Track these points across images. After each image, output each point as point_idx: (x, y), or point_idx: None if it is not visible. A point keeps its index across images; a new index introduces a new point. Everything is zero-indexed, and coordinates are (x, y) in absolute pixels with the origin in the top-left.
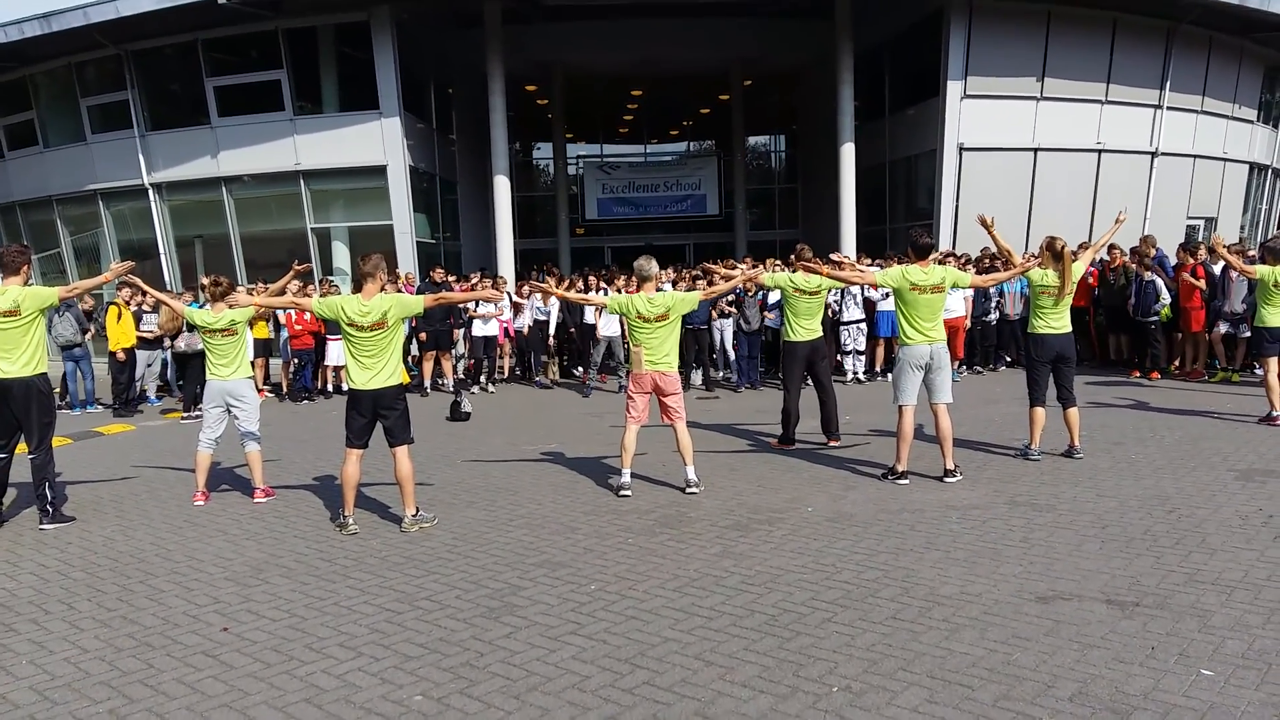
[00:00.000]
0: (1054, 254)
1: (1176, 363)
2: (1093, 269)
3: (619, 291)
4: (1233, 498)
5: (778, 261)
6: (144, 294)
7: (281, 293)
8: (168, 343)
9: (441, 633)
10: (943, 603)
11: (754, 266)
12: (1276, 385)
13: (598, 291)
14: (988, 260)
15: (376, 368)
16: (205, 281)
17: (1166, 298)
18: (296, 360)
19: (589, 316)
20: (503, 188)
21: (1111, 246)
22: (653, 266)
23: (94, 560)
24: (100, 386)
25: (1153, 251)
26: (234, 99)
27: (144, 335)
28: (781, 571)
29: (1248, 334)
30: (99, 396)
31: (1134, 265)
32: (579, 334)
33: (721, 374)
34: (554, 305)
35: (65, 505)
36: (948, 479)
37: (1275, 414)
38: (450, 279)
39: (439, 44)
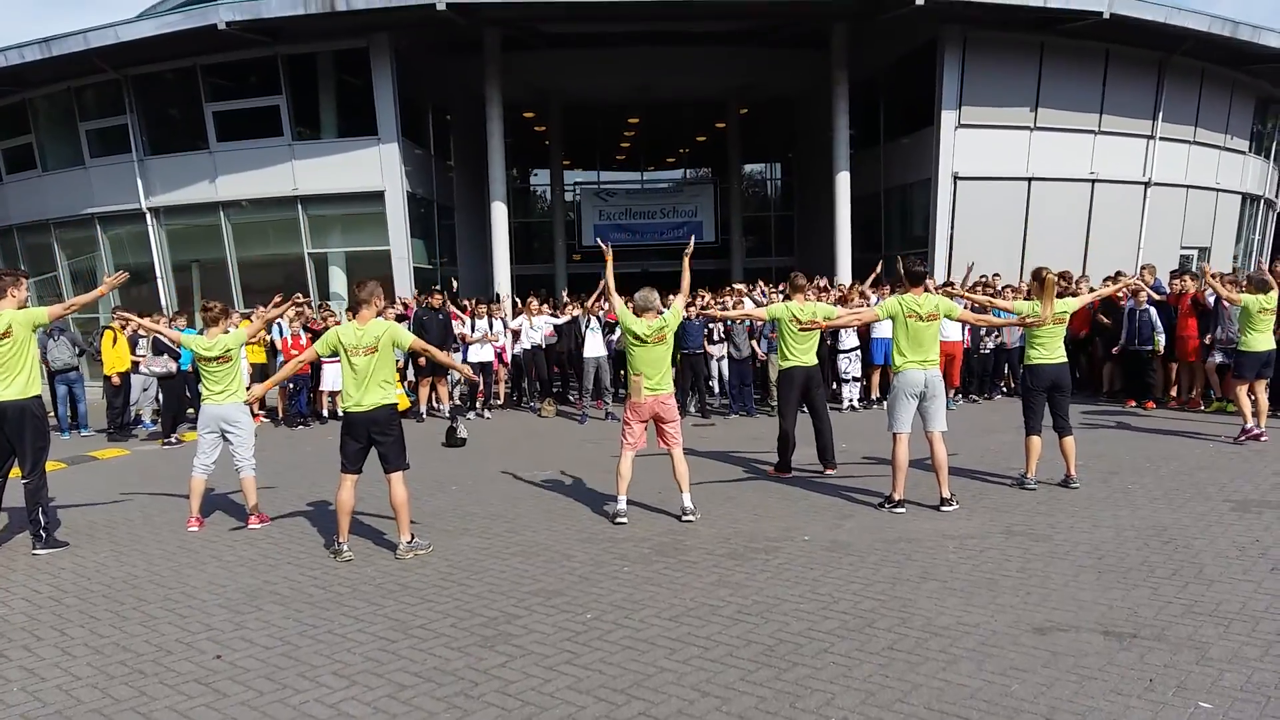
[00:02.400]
0: (1039, 282)
1: (1175, 391)
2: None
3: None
4: (1229, 528)
5: (766, 287)
6: (134, 324)
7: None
8: (142, 368)
9: (436, 661)
10: (940, 633)
11: (750, 290)
12: (1248, 403)
13: (587, 318)
14: (980, 289)
15: (369, 389)
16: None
17: (1160, 329)
18: (291, 385)
19: (587, 345)
20: (500, 214)
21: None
22: (654, 298)
23: (87, 586)
24: (95, 410)
25: (1151, 280)
26: (233, 124)
27: (138, 360)
28: (778, 601)
29: None
30: (90, 421)
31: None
32: (575, 359)
33: (717, 401)
34: (540, 329)
35: (59, 530)
36: (944, 508)
37: (1249, 427)
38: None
39: (437, 71)
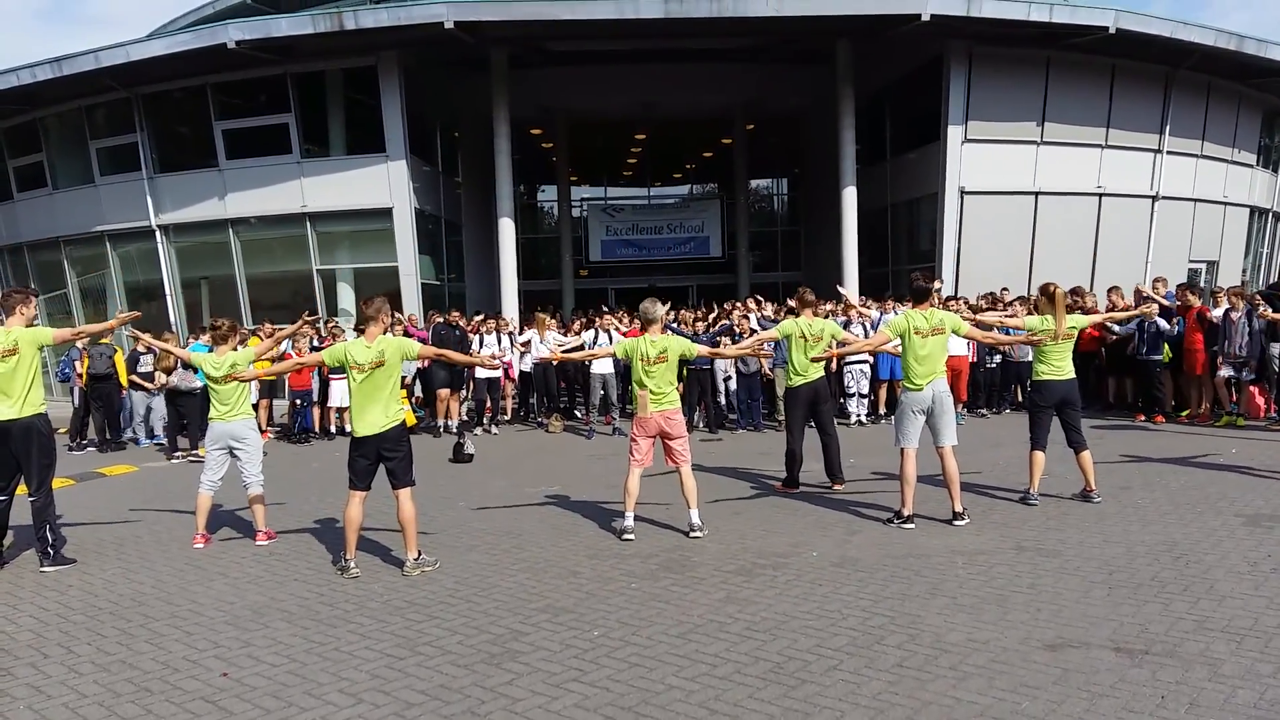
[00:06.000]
0: (1048, 297)
1: (1188, 411)
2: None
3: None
4: (1240, 543)
5: (775, 307)
6: (149, 348)
7: (285, 341)
8: (161, 379)
9: (443, 679)
10: (949, 650)
11: (757, 312)
12: None
13: (595, 333)
14: (985, 304)
15: (378, 409)
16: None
17: (1168, 329)
18: (298, 401)
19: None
20: (507, 230)
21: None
22: (658, 309)
23: (94, 603)
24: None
25: (1163, 291)
26: (242, 142)
27: (136, 380)
28: (786, 618)
29: (1251, 377)
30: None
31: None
32: (580, 375)
33: (727, 418)
34: (548, 344)
35: (66, 547)
36: (956, 521)
37: None
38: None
39: (445, 89)
